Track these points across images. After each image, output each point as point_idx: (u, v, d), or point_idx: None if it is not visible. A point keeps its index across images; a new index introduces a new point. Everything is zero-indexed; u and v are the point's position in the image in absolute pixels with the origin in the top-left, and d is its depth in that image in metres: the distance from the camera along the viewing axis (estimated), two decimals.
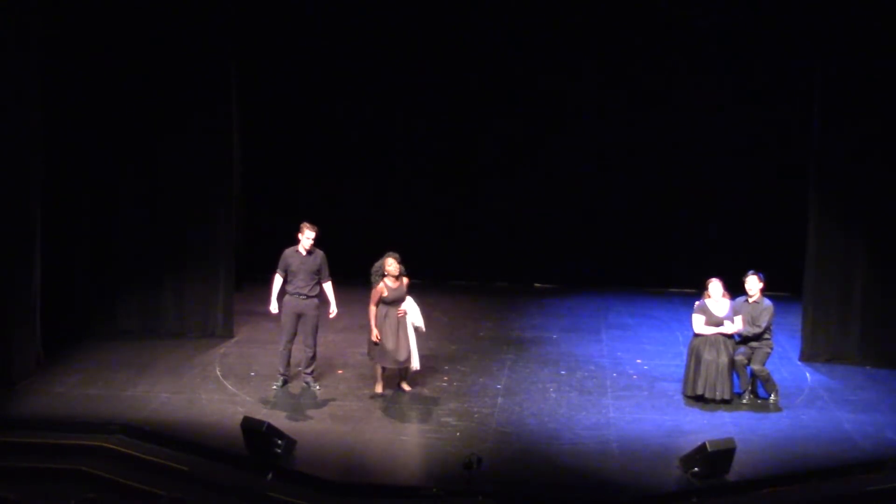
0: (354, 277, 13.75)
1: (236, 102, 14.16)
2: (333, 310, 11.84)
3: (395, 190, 17.01)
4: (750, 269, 11.78)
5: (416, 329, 11.58)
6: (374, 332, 11.44)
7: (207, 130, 13.46)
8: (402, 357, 11.48)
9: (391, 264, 11.39)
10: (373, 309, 11.47)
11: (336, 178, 17.00)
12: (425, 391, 11.88)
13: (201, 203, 13.52)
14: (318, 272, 11.67)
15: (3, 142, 11.53)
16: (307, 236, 11.60)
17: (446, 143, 16.86)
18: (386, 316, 11.43)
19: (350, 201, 16.96)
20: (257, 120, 16.36)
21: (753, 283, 11.65)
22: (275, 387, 11.82)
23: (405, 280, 11.51)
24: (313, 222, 11.71)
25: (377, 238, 13.29)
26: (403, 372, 11.73)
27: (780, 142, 15.98)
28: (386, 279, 11.42)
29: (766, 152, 16.15)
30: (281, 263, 11.71)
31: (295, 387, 11.89)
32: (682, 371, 11.96)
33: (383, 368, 11.63)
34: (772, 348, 11.75)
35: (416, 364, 11.58)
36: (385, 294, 11.41)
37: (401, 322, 11.42)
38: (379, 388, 11.68)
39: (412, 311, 11.56)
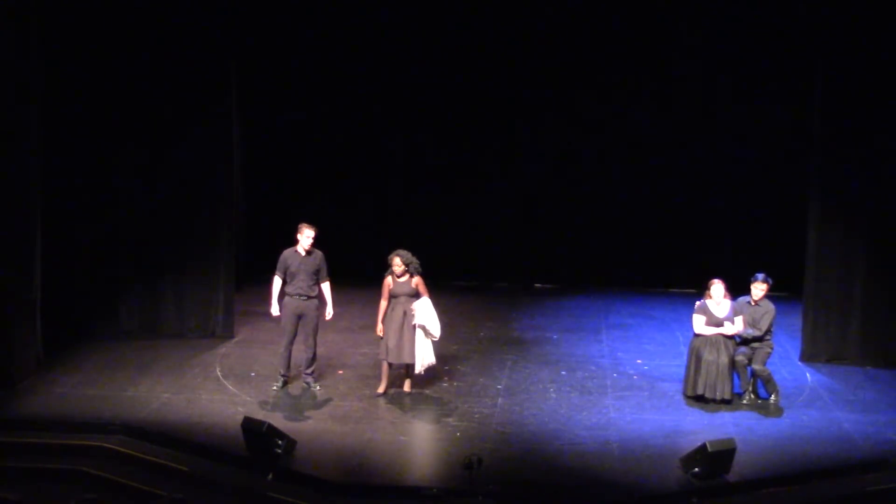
0: (355, 278, 13.79)
1: (236, 102, 14.16)
2: (330, 311, 11.82)
3: (395, 190, 17.02)
4: (760, 273, 11.73)
5: (427, 333, 11.47)
6: (379, 326, 11.48)
7: (208, 130, 13.45)
8: (405, 357, 11.47)
9: (398, 265, 11.41)
10: (382, 304, 11.52)
11: (337, 178, 17.02)
12: (426, 391, 11.88)
13: (201, 203, 13.51)
14: (317, 272, 11.66)
15: (2, 141, 11.53)
16: (307, 236, 11.59)
17: (447, 144, 16.87)
18: (392, 310, 11.46)
19: (350, 202, 16.97)
20: (258, 120, 16.37)
21: (760, 289, 11.62)
22: (275, 387, 11.82)
23: (415, 279, 11.48)
24: (312, 222, 11.71)
25: (378, 239, 13.31)
26: (408, 372, 11.72)
27: (780, 142, 15.99)
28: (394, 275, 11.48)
29: (767, 152, 16.16)
30: (280, 265, 11.70)
31: (295, 387, 11.89)
32: (682, 371, 11.96)
33: (389, 366, 11.62)
34: (772, 349, 11.75)
35: (418, 367, 11.55)
36: (391, 286, 11.45)
37: (406, 321, 11.42)
38: (382, 388, 11.67)
39: (426, 316, 11.45)
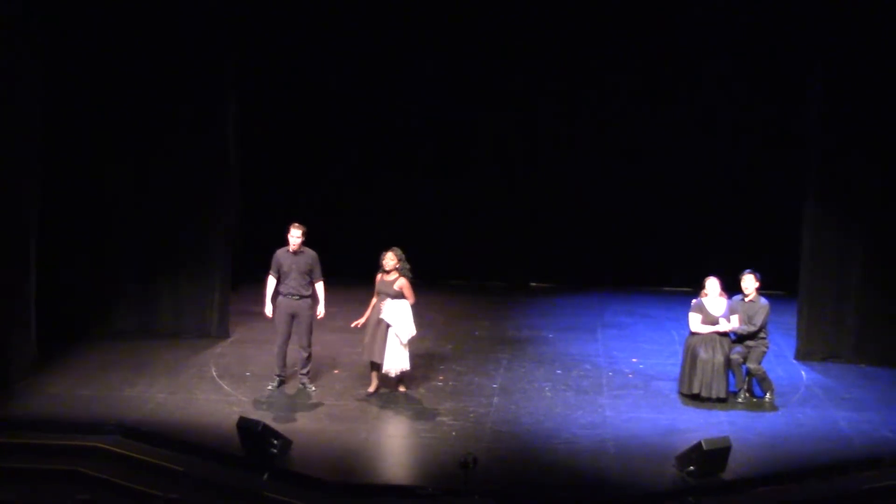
0: (350, 277, 13.77)
1: (233, 102, 14.14)
2: (321, 311, 11.80)
3: (390, 190, 17.00)
4: (747, 269, 11.79)
5: (398, 337, 11.42)
6: (360, 320, 11.51)
7: (204, 131, 13.44)
8: (374, 355, 11.43)
9: (389, 259, 11.39)
10: (373, 300, 11.52)
11: (332, 178, 17.02)
12: (421, 391, 11.88)
13: (197, 203, 13.51)
14: (309, 272, 11.66)
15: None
16: (293, 235, 11.60)
17: (442, 143, 16.87)
18: (374, 307, 11.48)
19: (346, 201, 16.97)
20: (254, 120, 16.33)
21: (750, 282, 11.67)
22: (270, 387, 11.81)
23: (401, 281, 11.45)
24: (306, 222, 11.70)
25: (373, 238, 13.28)
26: (375, 369, 11.65)
27: (776, 140, 16.01)
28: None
29: (763, 151, 16.18)
30: (273, 264, 11.72)
31: (291, 387, 11.88)
32: (677, 370, 11.97)
33: (375, 367, 11.60)
34: (767, 347, 11.76)
35: (386, 367, 11.45)
36: (378, 282, 11.47)
37: (381, 321, 11.39)
38: (373, 388, 11.67)
39: (396, 316, 11.41)
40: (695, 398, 11.56)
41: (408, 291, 11.45)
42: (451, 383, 12.20)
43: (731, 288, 11.82)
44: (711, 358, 11.47)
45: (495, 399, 11.69)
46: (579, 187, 16.77)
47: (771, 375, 11.78)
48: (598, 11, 15.80)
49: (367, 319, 11.52)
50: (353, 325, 11.71)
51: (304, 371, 11.84)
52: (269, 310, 11.84)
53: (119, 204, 13.51)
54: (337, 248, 14.89)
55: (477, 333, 14.38)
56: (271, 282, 11.76)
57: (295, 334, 11.71)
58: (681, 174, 16.45)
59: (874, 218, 12.86)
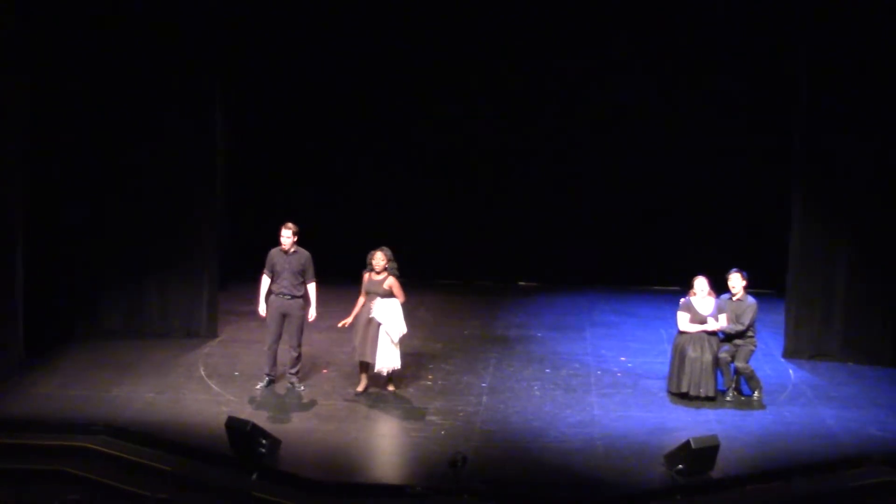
0: (339, 277, 13.77)
1: (221, 102, 14.10)
2: (313, 313, 11.79)
3: (379, 189, 16.99)
4: (733, 268, 11.83)
5: (389, 336, 11.43)
6: (347, 319, 11.49)
7: (192, 130, 13.41)
8: (366, 355, 11.42)
9: (379, 259, 11.38)
10: (360, 299, 11.51)
11: (322, 177, 17.00)
12: (410, 390, 11.88)
13: (186, 203, 13.48)
14: (302, 272, 11.64)
15: None
16: (284, 235, 11.60)
17: (431, 143, 16.86)
18: (364, 306, 11.47)
19: (335, 201, 16.95)
20: (244, 119, 16.31)
21: (736, 281, 11.71)
22: (259, 386, 11.79)
23: (390, 280, 11.45)
24: (296, 221, 11.70)
25: (362, 237, 13.27)
26: (366, 370, 11.64)
27: (764, 140, 16.02)
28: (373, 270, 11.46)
29: (751, 150, 16.20)
30: (267, 263, 11.71)
31: (280, 387, 11.87)
32: (666, 369, 11.99)
33: (365, 366, 11.59)
34: (755, 346, 11.80)
35: (378, 366, 11.44)
36: (366, 282, 11.46)
37: (372, 320, 11.39)
38: (361, 387, 11.66)
39: (386, 314, 11.43)
40: (683, 397, 11.58)
41: (397, 290, 11.44)
42: (440, 382, 12.20)
43: (719, 287, 11.85)
44: (700, 357, 11.49)
45: (484, 398, 11.70)
46: (568, 187, 16.78)
47: (759, 374, 11.82)
48: (595, 12, 15.78)
49: (356, 319, 11.52)
50: (339, 324, 11.71)
51: (294, 370, 11.83)
52: (262, 308, 11.84)
53: (107, 204, 13.48)
54: (325, 247, 14.86)
55: (466, 332, 14.38)
56: (265, 281, 11.74)
57: (285, 333, 11.70)
58: (669, 174, 16.47)
59: (861, 217, 12.90)
